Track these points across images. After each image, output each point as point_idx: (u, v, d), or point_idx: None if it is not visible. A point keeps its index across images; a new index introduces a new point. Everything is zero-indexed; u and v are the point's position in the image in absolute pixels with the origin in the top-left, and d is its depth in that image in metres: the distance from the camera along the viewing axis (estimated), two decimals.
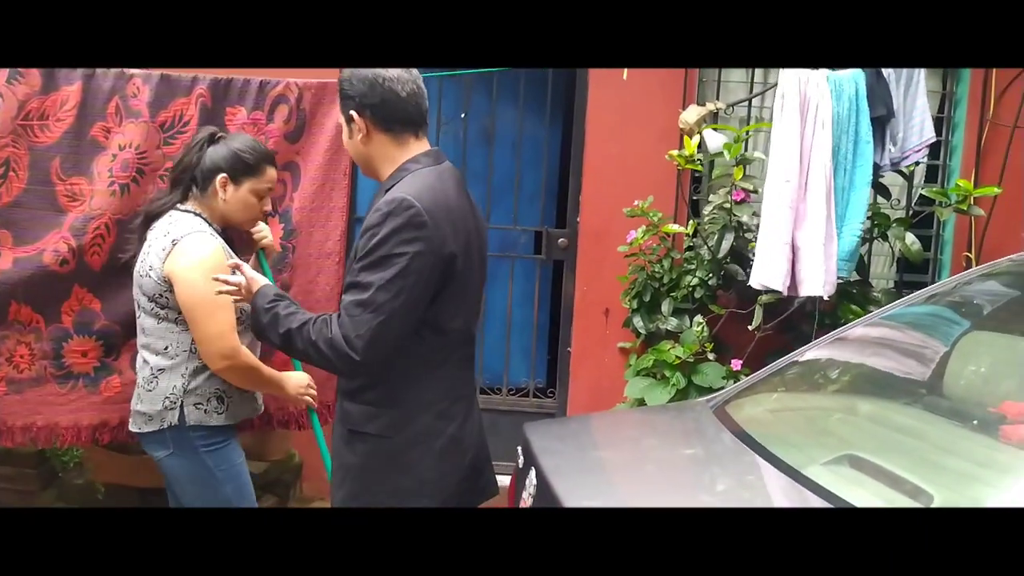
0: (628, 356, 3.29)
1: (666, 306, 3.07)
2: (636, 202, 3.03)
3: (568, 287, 3.49)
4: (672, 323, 3.05)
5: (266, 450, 3.33)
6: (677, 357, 2.92)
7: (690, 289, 3.07)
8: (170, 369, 2.13)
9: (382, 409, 1.74)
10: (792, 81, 2.71)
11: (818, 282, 2.68)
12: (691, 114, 3.02)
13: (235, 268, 1.87)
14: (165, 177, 2.46)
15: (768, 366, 2.16)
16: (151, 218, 2.17)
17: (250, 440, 3.14)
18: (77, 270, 2.41)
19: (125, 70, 2.38)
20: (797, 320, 3.06)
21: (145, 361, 2.16)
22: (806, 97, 2.74)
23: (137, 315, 2.18)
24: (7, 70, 2.28)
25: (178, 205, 2.15)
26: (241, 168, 2.13)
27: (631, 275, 3.16)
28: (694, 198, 3.36)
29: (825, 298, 2.73)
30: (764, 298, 2.81)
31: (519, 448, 1.87)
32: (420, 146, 1.79)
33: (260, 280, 1.83)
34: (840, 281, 3.02)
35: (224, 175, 2.12)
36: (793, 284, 2.74)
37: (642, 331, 3.12)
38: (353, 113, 1.76)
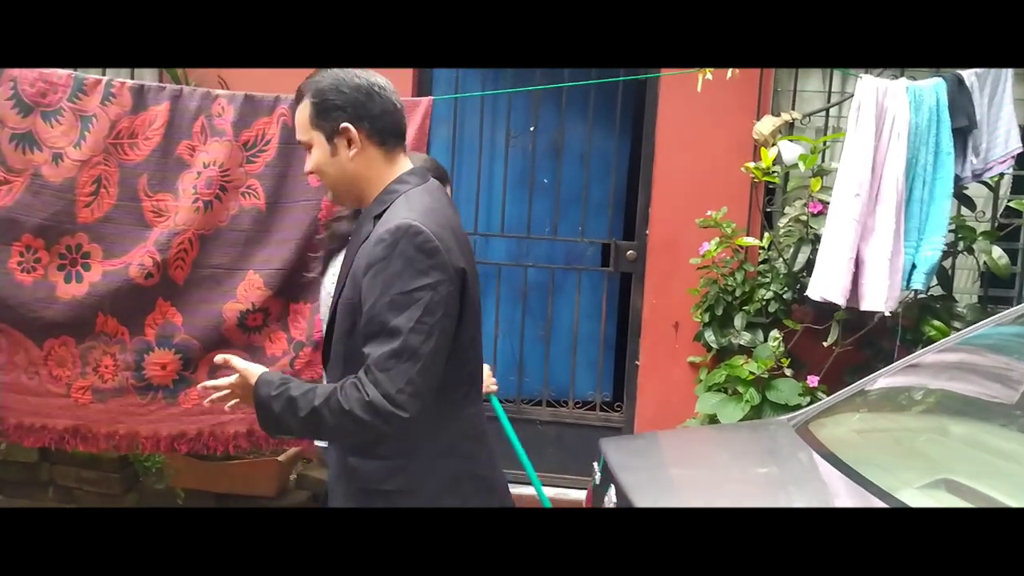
0: (698, 371, 3.24)
1: (739, 320, 3.01)
2: (708, 213, 2.99)
3: (636, 300, 3.46)
4: (745, 337, 2.99)
5: None
6: (751, 373, 2.86)
7: (764, 303, 3.00)
8: None
9: (400, 461, 1.58)
10: (869, 91, 2.64)
11: (880, 297, 2.60)
12: (766, 125, 2.97)
13: (225, 364, 1.63)
14: (247, 194, 2.54)
15: (852, 385, 2.10)
16: (339, 239, 2.16)
17: (322, 449, 3.20)
18: (161, 283, 2.49)
19: (211, 91, 2.46)
20: (876, 336, 2.96)
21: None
22: (883, 108, 2.67)
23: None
24: (101, 91, 2.38)
25: None
26: None
27: (702, 288, 3.12)
28: (767, 210, 3.30)
29: (887, 314, 2.65)
30: (841, 313, 2.74)
31: (595, 464, 1.86)
32: (405, 164, 1.64)
33: (256, 369, 1.60)
34: (921, 296, 2.93)
35: None
36: (855, 298, 2.68)
37: (714, 345, 3.07)
38: (348, 125, 1.56)
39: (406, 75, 3.37)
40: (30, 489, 3.25)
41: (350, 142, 1.58)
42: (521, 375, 3.65)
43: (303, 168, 2.52)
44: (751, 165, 2.79)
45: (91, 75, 2.40)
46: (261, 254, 2.57)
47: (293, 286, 2.62)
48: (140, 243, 2.47)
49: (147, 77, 3.45)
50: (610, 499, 1.69)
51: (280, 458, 3.09)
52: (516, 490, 1.76)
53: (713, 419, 2.91)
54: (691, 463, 1.87)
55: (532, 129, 3.56)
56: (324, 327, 2.12)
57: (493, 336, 3.59)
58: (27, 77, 2.33)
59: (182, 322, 2.53)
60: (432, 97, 2.68)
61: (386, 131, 1.60)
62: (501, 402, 2.47)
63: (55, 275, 2.44)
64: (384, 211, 1.56)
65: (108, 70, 3.00)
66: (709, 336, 3.07)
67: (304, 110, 1.59)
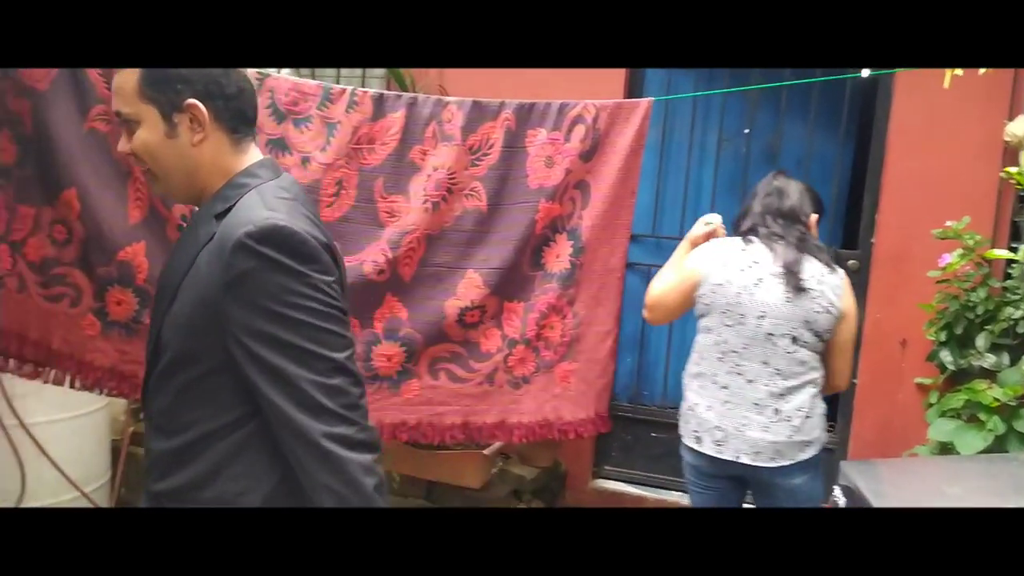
0: (927, 393, 2.98)
1: (981, 340, 2.73)
2: (948, 223, 2.74)
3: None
4: (989, 360, 2.71)
5: (536, 456, 3.44)
6: (995, 399, 2.59)
7: (1011, 323, 2.71)
8: (819, 394, 2.26)
9: (212, 465, 1.32)
10: None
11: None
12: (1020, 126, 2.68)
13: None
14: (470, 196, 2.63)
15: None
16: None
17: (521, 446, 3.26)
18: (390, 280, 2.64)
19: (442, 98, 2.57)
20: None
21: (802, 389, 2.21)
22: None
23: (789, 350, 2.20)
24: (346, 99, 2.55)
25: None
26: (822, 210, 2.39)
27: (938, 303, 2.86)
28: (1015, 219, 2.97)
29: None
30: None
31: (837, 488, 1.75)
32: (255, 155, 1.42)
33: None
34: None
35: (816, 215, 2.35)
36: None
37: (950, 367, 2.80)
38: (195, 101, 1.32)
39: (618, 76, 3.36)
40: None
41: (196, 123, 1.34)
42: None
43: (523, 171, 2.64)
44: (1013, 170, 2.52)
45: (336, 85, 2.57)
46: (481, 253, 2.66)
47: (509, 285, 2.69)
48: (374, 241, 2.62)
49: (375, 84, 3.68)
50: None
51: (485, 451, 3.18)
52: None
53: (947, 448, 2.66)
54: (963, 496, 1.70)
55: (747, 132, 3.44)
56: (787, 337, 2.17)
57: None
58: (282, 87, 2.54)
59: (407, 316, 2.66)
60: (652, 99, 2.65)
61: (239, 114, 1.38)
62: None
63: None
64: (229, 208, 1.32)
65: (316, 72, 3.22)
66: (946, 356, 2.81)
67: (130, 76, 1.33)
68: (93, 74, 2.39)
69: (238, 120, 1.39)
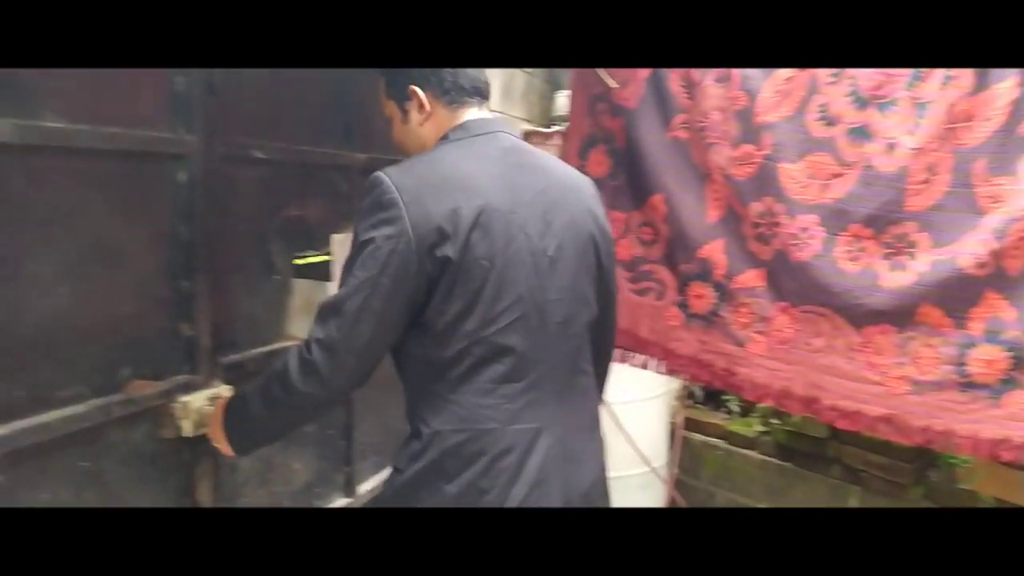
0: None
1: None
2: None
3: None
4: None
5: None
6: None
7: None
8: None
9: (408, 439, 1.52)
10: None
11: None
12: None
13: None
14: None
15: None
16: None
17: None
18: (993, 275, 2.30)
19: None
20: None
21: None
22: None
23: None
24: (939, 75, 2.30)
25: None
26: None
27: None
28: None
29: None
30: None
31: None
32: (463, 117, 1.57)
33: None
34: None
35: None
36: None
37: None
38: (415, 88, 1.55)
39: None
40: (816, 463, 3.48)
41: (420, 106, 1.55)
42: None
43: None
44: None
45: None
46: None
47: None
48: (970, 231, 2.32)
49: None
50: None
51: None
52: None
53: None
54: None
55: None
56: None
57: None
58: (864, 73, 2.40)
59: (1016, 318, 2.30)
60: None
61: (456, 87, 1.54)
62: None
63: (879, 264, 2.47)
64: None
65: None
66: None
67: (379, 83, 1.61)
68: (675, 86, 2.57)
69: (455, 92, 1.57)
